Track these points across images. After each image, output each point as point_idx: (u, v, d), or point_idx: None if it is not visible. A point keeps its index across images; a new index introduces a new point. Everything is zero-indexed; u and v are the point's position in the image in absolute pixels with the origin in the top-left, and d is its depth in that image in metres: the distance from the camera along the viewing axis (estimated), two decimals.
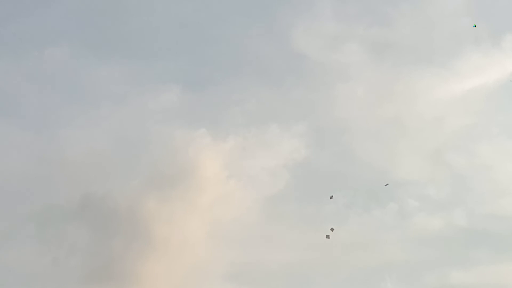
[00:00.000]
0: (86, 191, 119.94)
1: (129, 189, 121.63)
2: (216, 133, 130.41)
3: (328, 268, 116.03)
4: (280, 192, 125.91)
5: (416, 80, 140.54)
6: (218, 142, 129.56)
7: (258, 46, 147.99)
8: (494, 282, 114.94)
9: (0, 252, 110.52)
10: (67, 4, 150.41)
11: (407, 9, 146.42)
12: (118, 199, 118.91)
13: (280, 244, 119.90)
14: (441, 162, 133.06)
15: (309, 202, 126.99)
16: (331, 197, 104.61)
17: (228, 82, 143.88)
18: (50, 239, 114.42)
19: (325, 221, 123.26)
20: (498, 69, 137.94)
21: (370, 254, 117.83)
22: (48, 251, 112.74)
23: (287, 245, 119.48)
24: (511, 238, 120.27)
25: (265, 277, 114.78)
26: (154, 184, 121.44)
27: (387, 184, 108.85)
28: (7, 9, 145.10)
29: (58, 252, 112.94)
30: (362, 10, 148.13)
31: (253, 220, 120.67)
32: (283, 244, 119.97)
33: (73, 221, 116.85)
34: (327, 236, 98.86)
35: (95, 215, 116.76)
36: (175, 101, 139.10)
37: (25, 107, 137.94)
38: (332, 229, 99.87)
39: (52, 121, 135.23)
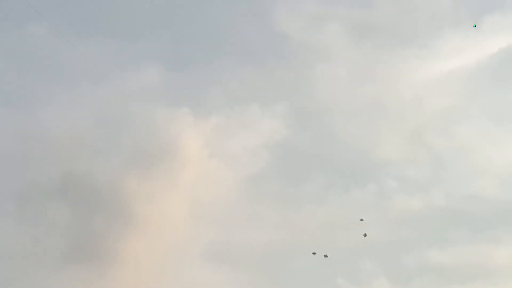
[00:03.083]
0: (67, 170, 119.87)
1: (110, 168, 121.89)
2: (198, 112, 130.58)
3: (308, 247, 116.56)
4: (260, 172, 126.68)
5: (396, 61, 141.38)
6: (199, 121, 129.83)
7: (240, 26, 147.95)
8: (471, 262, 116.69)
9: None
10: None
11: None
12: (99, 177, 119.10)
13: (259, 224, 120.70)
14: (421, 143, 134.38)
15: (289, 182, 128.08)
16: (325, 255, 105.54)
17: (210, 62, 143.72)
18: (30, 217, 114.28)
19: (305, 201, 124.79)
20: (477, 51, 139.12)
21: (350, 234, 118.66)
22: (28, 230, 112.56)
23: (267, 225, 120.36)
24: (489, 218, 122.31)
25: (245, 256, 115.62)
26: (135, 163, 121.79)
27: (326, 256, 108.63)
28: None
29: (38, 231, 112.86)
30: None
31: (234, 200, 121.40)
32: (263, 223, 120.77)
33: (53, 199, 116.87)
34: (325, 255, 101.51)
35: (75, 193, 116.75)
36: (156, 79, 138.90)
37: (4, 84, 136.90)
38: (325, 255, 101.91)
39: (32, 99, 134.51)
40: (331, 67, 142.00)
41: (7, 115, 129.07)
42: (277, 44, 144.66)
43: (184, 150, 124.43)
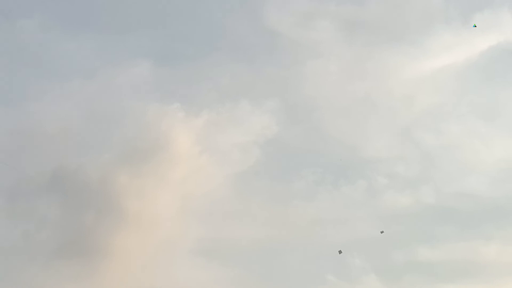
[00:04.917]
0: (57, 165, 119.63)
1: (101, 163, 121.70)
2: (189, 108, 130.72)
3: (297, 244, 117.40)
4: (250, 168, 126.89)
5: (386, 58, 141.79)
6: (190, 117, 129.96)
7: (231, 23, 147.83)
8: (460, 259, 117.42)
9: None
10: None
11: None
12: (89, 173, 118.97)
13: (250, 220, 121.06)
14: (410, 140, 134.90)
15: (279, 178, 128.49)
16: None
17: (201, 58, 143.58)
18: (20, 212, 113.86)
19: (295, 197, 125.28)
20: (468, 48, 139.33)
21: (339, 231, 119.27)
22: (18, 225, 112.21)
23: (257, 221, 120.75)
24: (478, 215, 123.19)
25: (235, 252, 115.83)
26: (126, 158, 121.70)
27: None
28: None
29: (28, 226, 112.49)
30: None
31: (224, 196, 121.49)
32: (253, 220, 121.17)
33: (44, 194, 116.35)
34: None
35: (66, 189, 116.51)
36: (147, 75, 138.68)
37: None
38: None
39: (23, 95, 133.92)
40: (322, 63, 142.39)
41: None
42: (268, 40, 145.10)
43: (175, 146, 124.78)
